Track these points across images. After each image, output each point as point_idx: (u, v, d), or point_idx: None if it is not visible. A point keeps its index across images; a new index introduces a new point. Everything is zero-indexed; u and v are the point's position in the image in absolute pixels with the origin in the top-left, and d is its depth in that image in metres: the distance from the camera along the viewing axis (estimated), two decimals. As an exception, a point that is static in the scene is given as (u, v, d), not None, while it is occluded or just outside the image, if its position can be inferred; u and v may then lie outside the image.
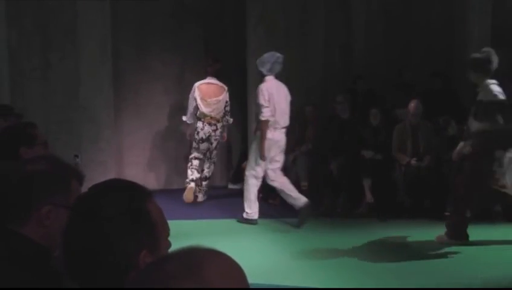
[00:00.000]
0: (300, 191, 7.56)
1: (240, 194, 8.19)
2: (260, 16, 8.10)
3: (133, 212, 1.34)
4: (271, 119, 6.44)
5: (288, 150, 7.81)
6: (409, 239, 6.13)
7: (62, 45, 7.45)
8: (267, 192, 7.87)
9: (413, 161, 7.10)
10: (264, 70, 6.49)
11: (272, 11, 8.11)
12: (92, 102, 7.54)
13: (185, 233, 5.51)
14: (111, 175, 7.67)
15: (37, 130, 3.10)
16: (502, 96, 5.63)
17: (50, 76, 7.49)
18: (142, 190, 1.40)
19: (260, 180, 6.67)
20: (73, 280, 1.37)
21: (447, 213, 6.80)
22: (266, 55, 6.54)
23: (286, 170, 7.72)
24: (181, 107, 8.66)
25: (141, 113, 8.46)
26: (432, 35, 8.41)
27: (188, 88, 8.56)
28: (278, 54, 6.54)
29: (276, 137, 6.51)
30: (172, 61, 8.53)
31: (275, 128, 6.49)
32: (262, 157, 6.52)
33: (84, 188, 1.86)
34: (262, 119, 6.45)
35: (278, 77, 6.66)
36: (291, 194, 6.58)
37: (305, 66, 8.28)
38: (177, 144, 8.68)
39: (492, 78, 5.71)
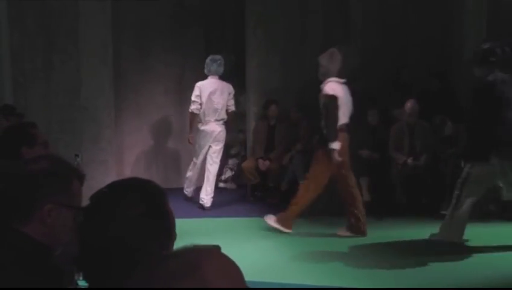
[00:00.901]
0: (298, 190, 7.58)
1: (236, 193, 8.21)
2: (259, 17, 8.10)
3: (156, 214, 1.32)
4: (196, 112, 7.39)
5: (285, 149, 7.84)
6: (406, 237, 6.13)
7: (64, 46, 7.44)
8: (265, 191, 7.89)
9: (410, 160, 7.11)
10: (205, 70, 7.42)
11: (271, 12, 8.11)
12: (93, 102, 7.53)
13: (184, 231, 5.49)
14: (112, 174, 7.66)
15: (38, 129, 3.10)
16: (333, 94, 5.79)
17: (52, 76, 7.48)
18: (161, 191, 1.38)
19: (199, 165, 7.57)
20: (86, 279, 1.35)
21: (443, 212, 6.81)
22: (207, 58, 7.47)
23: (283, 169, 7.75)
24: (181, 106, 8.66)
25: (142, 113, 8.46)
26: (428, 36, 8.41)
27: (188, 88, 8.56)
28: (217, 57, 7.42)
29: (208, 128, 7.38)
30: (172, 62, 8.53)
31: (206, 121, 7.37)
32: (189, 141, 7.58)
33: (85, 187, 1.86)
34: (189, 111, 7.46)
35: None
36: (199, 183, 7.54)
37: (303, 66, 8.27)
38: (177, 143, 8.69)
39: (341, 76, 5.95)
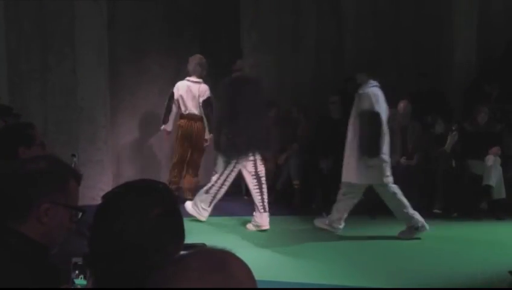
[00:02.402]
0: (293, 190, 7.57)
1: (230, 193, 8.16)
2: (253, 20, 8.10)
3: (172, 214, 1.35)
4: None
5: (280, 149, 7.83)
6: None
7: (60, 47, 7.41)
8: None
9: (403, 160, 7.11)
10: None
11: (264, 15, 8.11)
12: (89, 103, 7.50)
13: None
14: (108, 174, 7.64)
15: (35, 130, 3.08)
16: (173, 89, 7.41)
17: (48, 77, 7.44)
18: (173, 192, 1.41)
19: None
20: (95, 277, 1.33)
21: (435, 210, 6.80)
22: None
23: (279, 169, 7.74)
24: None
25: (137, 114, 8.43)
26: (420, 38, 8.43)
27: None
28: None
29: None
30: (168, 64, 8.50)
31: None
32: None
33: (82, 187, 1.84)
34: None
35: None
36: None
37: (297, 68, 8.28)
38: (172, 144, 8.65)
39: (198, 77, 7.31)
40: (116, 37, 8.09)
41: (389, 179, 5.81)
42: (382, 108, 5.73)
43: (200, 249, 1.01)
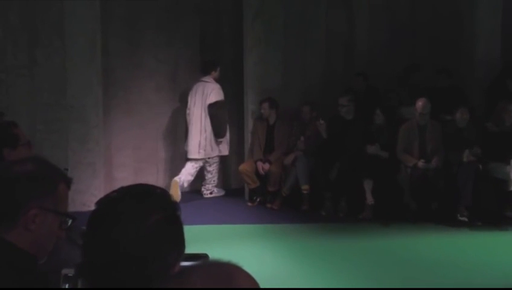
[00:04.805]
0: (302, 195, 7.53)
1: (233, 198, 8.16)
2: (258, 11, 8.06)
3: (173, 221, 1.36)
4: None
5: (286, 150, 7.81)
6: (414, 244, 6.11)
7: (49, 41, 7.42)
8: (265, 196, 7.84)
9: (421, 163, 7.01)
10: None
11: (270, 5, 8.07)
12: (80, 100, 7.51)
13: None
14: (100, 177, 7.64)
15: (19, 129, 3.07)
16: None
17: (36, 73, 7.45)
18: (172, 197, 1.41)
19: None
20: (90, 287, 1.33)
21: (461, 218, 6.70)
22: None
23: (285, 172, 7.72)
24: (174, 105, 8.63)
25: (132, 112, 8.41)
26: (437, 31, 8.39)
27: (182, 85, 8.53)
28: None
29: None
30: (165, 58, 8.49)
31: None
32: None
33: (72, 191, 1.84)
34: None
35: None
36: None
37: (305, 63, 8.25)
38: (169, 144, 8.65)
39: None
40: (109, 30, 8.09)
41: None
42: (198, 101, 7.95)
43: (204, 262, 1.02)
